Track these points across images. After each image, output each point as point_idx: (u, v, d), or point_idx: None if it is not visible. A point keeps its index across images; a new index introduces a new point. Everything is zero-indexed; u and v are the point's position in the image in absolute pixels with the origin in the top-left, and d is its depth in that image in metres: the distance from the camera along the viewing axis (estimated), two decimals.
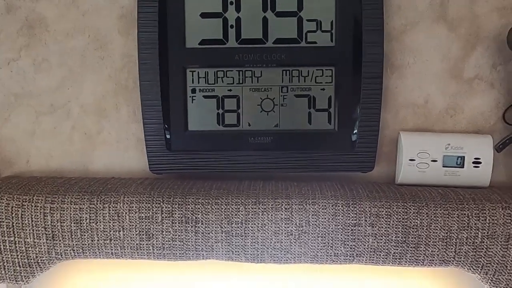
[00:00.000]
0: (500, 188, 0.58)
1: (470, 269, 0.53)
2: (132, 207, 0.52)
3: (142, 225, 0.53)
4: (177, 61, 0.56)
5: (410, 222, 0.52)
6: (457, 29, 0.58)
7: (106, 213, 0.52)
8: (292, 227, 0.52)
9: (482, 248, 0.52)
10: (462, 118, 0.60)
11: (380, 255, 0.53)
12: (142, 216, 0.52)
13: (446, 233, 0.52)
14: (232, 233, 0.53)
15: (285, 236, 0.53)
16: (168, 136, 0.57)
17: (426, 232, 0.52)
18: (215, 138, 0.57)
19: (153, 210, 0.52)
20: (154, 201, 0.52)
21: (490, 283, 0.53)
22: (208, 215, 0.52)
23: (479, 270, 0.53)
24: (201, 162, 0.57)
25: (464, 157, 0.56)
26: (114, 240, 0.53)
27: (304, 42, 0.56)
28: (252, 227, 0.52)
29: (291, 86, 0.57)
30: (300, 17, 0.55)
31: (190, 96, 0.57)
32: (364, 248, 0.53)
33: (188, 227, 0.52)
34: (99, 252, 0.54)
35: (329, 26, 0.56)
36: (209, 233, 0.53)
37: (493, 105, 0.59)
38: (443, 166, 0.56)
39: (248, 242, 0.53)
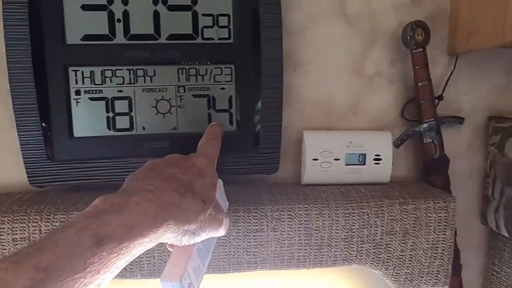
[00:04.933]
0: (400, 183, 0.59)
1: (371, 266, 0.53)
2: (4, 228, 0.45)
3: (18, 248, 0.46)
4: (56, 59, 0.50)
5: (312, 224, 0.51)
6: (356, 26, 0.58)
7: None
8: None
9: (382, 245, 0.53)
10: (365, 115, 0.60)
11: (283, 259, 0.51)
12: (17, 238, 0.46)
13: (348, 232, 0.52)
14: None
15: None
16: (48, 145, 0.50)
17: (328, 232, 0.51)
18: (106, 144, 0.52)
19: (29, 230, 0.46)
20: (30, 220, 0.46)
21: (390, 278, 0.54)
22: None
23: (380, 266, 0.53)
24: (90, 172, 0.51)
25: (365, 154, 0.56)
26: None
27: (201, 38, 0.52)
28: None
29: (188, 85, 0.53)
30: (194, 12, 0.52)
31: (74, 99, 0.51)
32: (267, 254, 0.51)
33: None
34: None
35: (226, 22, 0.52)
36: None
37: (392, 101, 0.60)
38: (346, 164, 0.56)
39: (143, 258, 0.49)
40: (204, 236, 0.39)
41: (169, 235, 0.35)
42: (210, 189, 0.40)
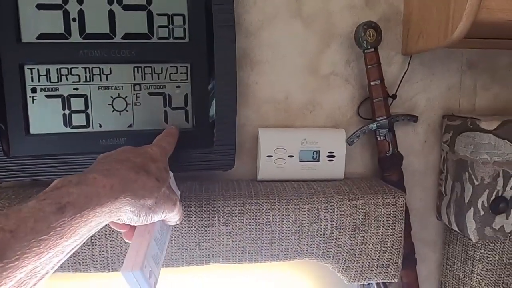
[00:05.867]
0: (354, 179, 0.60)
1: (323, 259, 0.55)
2: None
3: None
4: (12, 57, 0.50)
5: (263, 218, 0.52)
6: (312, 26, 0.59)
7: None
8: None
9: (332, 239, 0.54)
10: (321, 113, 0.62)
11: (236, 253, 0.53)
12: None
13: (298, 226, 0.53)
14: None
15: None
16: (4, 141, 0.51)
17: (279, 227, 0.53)
18: (62, 141, 0.53)
19: None
20: None
21: (341, 271, 0.56)
22: None
23: (331, 260, 0.55)
24: (46, 168, 0.52)
25: (319, 151, 0.58)
26: None
27: (156, 38, 0.53)
28: (99, 235, 0.49)
29: (144, 84, 0.54)
30: (149, 11, 0.53)
31: (30, 96, 0.52)
32: (220, 248, 0.52)
33: None
34: None
35: (181, 21, 0.54)
36: None
37: (349, 99, 0.62)
38: (300, 161, 0.58)
39: (96, 252, 0.50)
40: (160, 214, 0.41)
41: (127, 209, 0.36)
42: (163, 171, 0.42)
